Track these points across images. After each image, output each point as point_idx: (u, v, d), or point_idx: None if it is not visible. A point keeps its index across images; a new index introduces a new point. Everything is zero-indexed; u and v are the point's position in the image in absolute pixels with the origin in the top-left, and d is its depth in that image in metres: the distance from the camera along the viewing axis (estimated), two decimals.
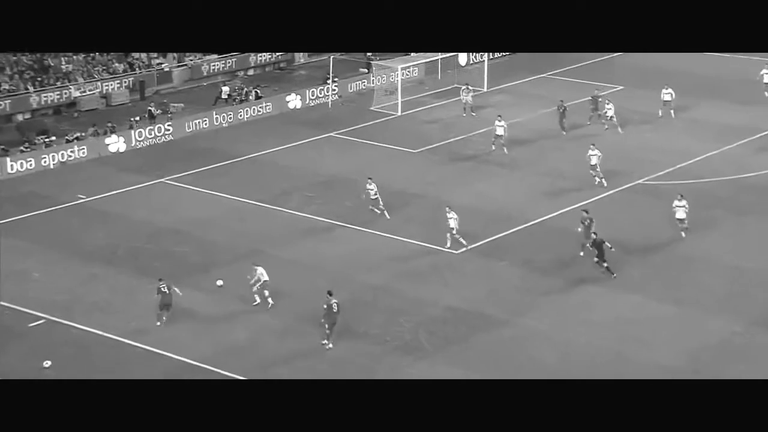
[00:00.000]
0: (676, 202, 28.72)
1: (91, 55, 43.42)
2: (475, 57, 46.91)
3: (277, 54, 47.48)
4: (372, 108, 41.37)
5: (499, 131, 35.73)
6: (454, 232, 28.18)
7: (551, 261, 27.73)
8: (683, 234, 28.51)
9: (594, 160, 32.49)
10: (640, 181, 33.14)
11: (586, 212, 28.04)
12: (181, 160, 35.74)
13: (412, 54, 45.84)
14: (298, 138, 38.21)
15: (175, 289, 24.64)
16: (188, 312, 25.24)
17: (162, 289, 24.46)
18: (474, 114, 39.27)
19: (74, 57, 43.08)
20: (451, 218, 28.16)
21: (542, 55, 47.87)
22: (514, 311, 25.23)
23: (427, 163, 35.48)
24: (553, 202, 31.60)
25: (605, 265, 26.36)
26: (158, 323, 24.34)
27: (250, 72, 47.03)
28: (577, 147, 36.56)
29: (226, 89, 42.85)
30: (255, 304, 25.38)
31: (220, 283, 26.19)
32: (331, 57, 43.90)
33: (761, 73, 41.14)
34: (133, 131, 37.83)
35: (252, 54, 46.89)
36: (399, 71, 41.97)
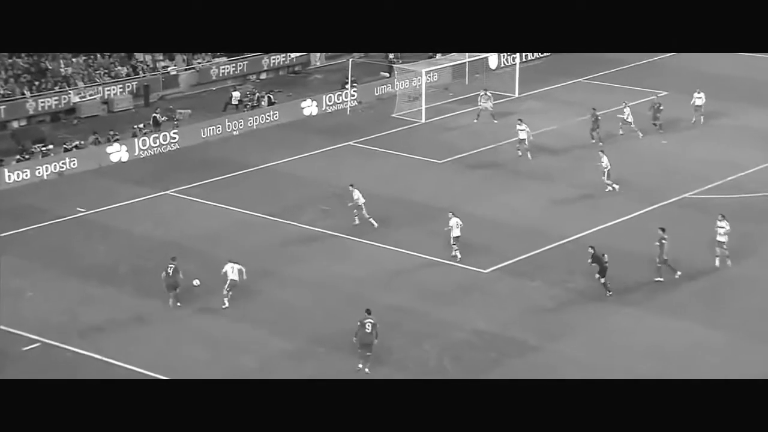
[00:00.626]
0: (718, 223, 28.11)
1: (92, 57, 43.88)
2: (507, 60, 47.04)
3: (292, 56, 47.82)
4: (394, 115, 41.55)
5: (522, 135, 36.09)
6: (451, 242, 28.44)
7: (588, 281, 27.67)
8: (718, 263, 27.76)
9: (605, 167, 32.83)
10: (686, 196, 33.07)
11: (663, 230, 27.45)
12: (187, 171, 35.97)
13: (438, 56, 46.05)
14: (313, 147, 38.43)
15: (194, 282, 26.56)
16: (196, 334, 25.38)
17: (168, 270, 26.36)
18: (496, 121, 39.30)
19: (74, 60, 43.51)
20: (452, 226, 28.43)
21: (577, 59, 47.91)
22: (547, 336, 25.15)
23: (453, 174, 35.58)
24: (590, 218, 31.57)
25: (602, 280, 26.50)
26: (170, 304, 26.30)
27: (263, 76, 47.37)
28: (615, 157, 36.54)
29: (236, 94, 43.17)
30: (224, 307, 26.18)
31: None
32: (350, 60, 44.18)
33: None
34: (136, 139, 38.14)
35: (264, 57, 47.25)
36: (423, 75, 42.13)
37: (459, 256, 28.61)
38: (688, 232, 30.06)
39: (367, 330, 23.41)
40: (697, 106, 39.36)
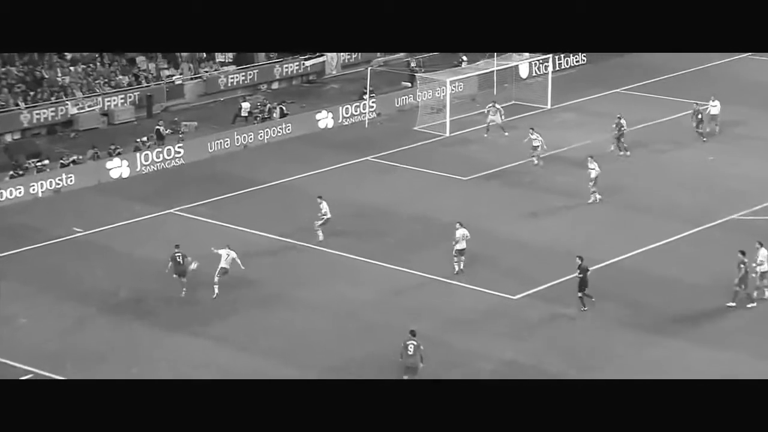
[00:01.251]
0: (760, 253, 27.62)
1: (91, 66, 44.35)
2: (538, 69, 47.30)
3: (306, 65, 48.22)
4: (416, 128, 41.77)
5: (536, 143, 36.78)
6: (453, 254, 28.86)
7: (625, 309, 27.70)
8: (753, 303, 27.43)
9: (593, 174, 33.22)
10: (733, 217, 33.09)
11: (743, 254, 27.44)
12: (193, 188, 36.24)
13: (463, 65, 46.31)
14: (329, 162, 38.69)
15: (192, 266, 28.48)
16: (200, 364, 25.56)
17: (177, 257, 28.30)
18: (506, 134, 39.45)
19: (71, 68, 44.00)
20: (458, 238, 28.91)
21: (614, 68, 48.20)
22: (581, 367, 25.20)
23: (479, 192, 35.73)
24: (627, 240, 31.64)
25: (579, 294, 27.03)
26: (183, 292, 28.37)
27: (275, 86, 47.77)
28: (656, 174, 36.59)
29: (246, 105, 43.51)
30: (214, 297, 28.08)
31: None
32: (369, 68, 44.50)
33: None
34: (138, 154, 38.45)
35: (276, 65, 47.68)
36: (447, 85, 42.40)
37: (459, 269, 29.12)
38: (734, 257, 30.00)
39: (409, 352, 23.82)
40: (713, 115, 39.46)
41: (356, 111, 43.23)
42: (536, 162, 36.85)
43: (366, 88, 43.61)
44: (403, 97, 44.54)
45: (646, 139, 39.99)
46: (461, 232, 29.32)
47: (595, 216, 33.58)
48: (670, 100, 44.32)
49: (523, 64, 46.85)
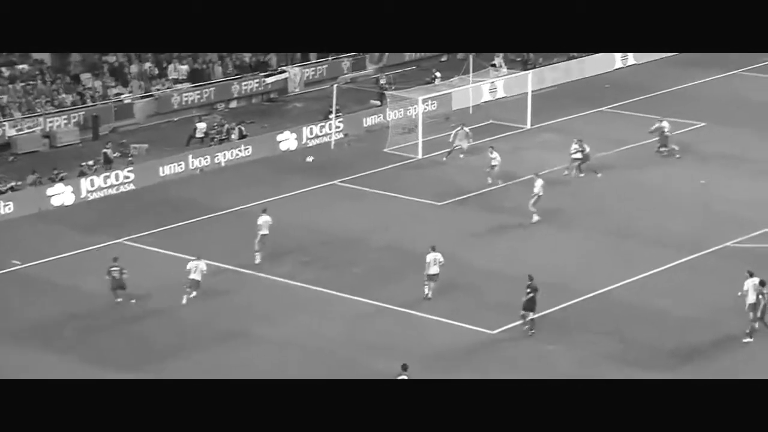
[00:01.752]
0: (746, 283, 27.63)
1: (31, 83, 44.03)
2: (517, 87, 47.57)
3: (267, 82, 48.17)
4: (386, 150, 41.81)
5: (494, 162, 37.42)
6: (425, 280, 29.26)
7: (614, 344, 27.68)
8: (748, 338, 27.43)
9: (537, 189, 34.31)
10: (729, 244, 33.28)
11: (763, 285, 27.35)
12: (145, 216, 36.05)
13: (437, 82, 46.45)
14: (292, 187, 38.56)
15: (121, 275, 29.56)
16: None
17: (113, 273, 29.46)
18: (462, 156, 39.55)
19: (10, 86, 43.66)
20: (429, 262, 29.37)
21: (597, 86, 48.58)
22: None
23: (455, 218, 35.72)
24: (615, 269, 31.68)
25: (529, 317, 27.56)
26: (120, 301, 29.49)
27: (232, 105, 47.67)
28: (645, 198, 36.77)
29: (202, 126, 43.39)
30: (183, 303, 29.36)
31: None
32: (335, 86, 44.52)
33: None
34: (83, 179, 38.16)
35: (235, 82, 47.57)
36: (419, 104, 42.49)
37: (427, 294, 29.52)
38: (731, 286, 30.12)
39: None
40: (665, 135, 40.08)
41: (321, 131, 43.20)
42: (491, 181, 37.28)
43: (332, 107, 43.58)
44: (372, 117, 44.60)
45: (633, 160, 40.21)
46: (432, 256, 29.61)
47: (580, 243, 33.65)
48: (656, 118, 44.65)
49: (500, 80, 47.10)
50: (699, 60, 52.16)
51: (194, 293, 29.58)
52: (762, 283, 27.57)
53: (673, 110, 45.31)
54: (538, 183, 34.75)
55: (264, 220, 32.53)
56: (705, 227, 34.39)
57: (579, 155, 38.15)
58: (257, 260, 32.09)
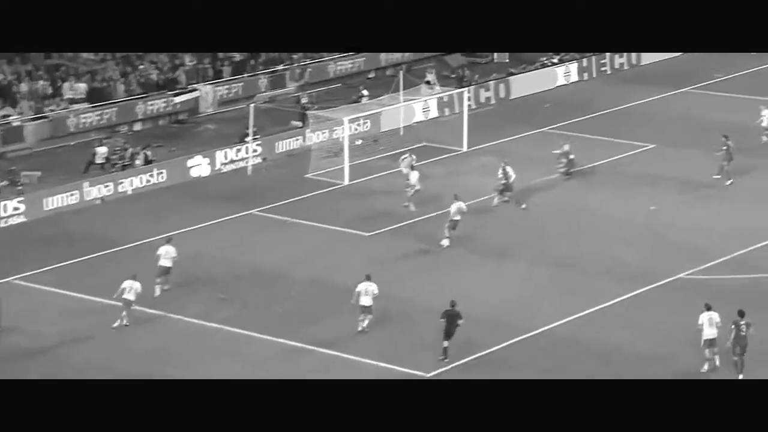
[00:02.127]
0: (702, 317, 28.20)
1: None
2: (452, 106, 48.19)
3: (176, 101, 48.17)
4: (308, 175, 42.05)
5: (412, 180, 38.15)
6: (361, 312, 29.81)
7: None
8: (707, 367, 28.15)
9: (453, 212, 35.49)
10: (682, 276, 34.02)
11: (742, 315, 27.90)
12: (37, 251, 35.82)
13: (364, 101, 46.90)
14: (206, 217, 38.53)
15: None
16: None
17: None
18: (408, 189, 39.45)
19: None
20: (359, 291, 29.93)
21: (537, 105, 49.29)
22: None
23: (385, 250, 36.02)
24: (560, 304, 32.16)
25: (445, 344, 28.56)
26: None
27: (137, 127, 47.53)
28: (590, 227, 37.44)
29: (102, 151, 43.22)
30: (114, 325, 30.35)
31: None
32: (251, 105, 44.71)
33: (761, 115, 43.54)
34: None
35: (140, 102, 47.52)
36: (345, 124, 42.81)
37: (362, 328, 30.07)
38: (683, 321, 30.83)
39: None
40: (570, 159, 40.91)
41: (237, 156, 43.33)
42: (406, 204, 38.04)
43: (248, 129, 43.73)
44: (293, 139, 44.87)
45: (578, 184, 40.93)
46: (364, 285, 30.06)
47: (521, 276, 34.12)
48: (602, 140, 45.59)
49: (432, 99, 47.71)
50: (648, 77, 53.48)
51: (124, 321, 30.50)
52: (741, 314, 28.13)
53: (621, 131, 46.32)
54: (454, 207, 35.51)
55: (166, 250, 32.68)
56: (655, 257, 35.06)
57: (502, 181, 38.87)
58: (156, 293, 32.31)
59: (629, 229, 37.30)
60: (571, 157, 41.18)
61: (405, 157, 40.91)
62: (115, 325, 30.54)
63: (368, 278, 30.38)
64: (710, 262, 34.57)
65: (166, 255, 32.69)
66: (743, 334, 27.92)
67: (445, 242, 35.57)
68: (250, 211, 39.11)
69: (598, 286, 33.20)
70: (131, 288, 30.65)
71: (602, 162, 43.03)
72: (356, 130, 45.09)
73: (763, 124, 44.05)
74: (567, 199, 39.66)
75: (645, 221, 37.89)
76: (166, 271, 32.57)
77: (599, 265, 34.52)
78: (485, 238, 36.65)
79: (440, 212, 37.64)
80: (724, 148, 40.32)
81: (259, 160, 43.50)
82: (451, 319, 28.89)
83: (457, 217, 35.58)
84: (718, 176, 40.52)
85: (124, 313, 30.69)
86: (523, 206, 38.48)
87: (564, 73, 53.25)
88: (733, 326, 28.03)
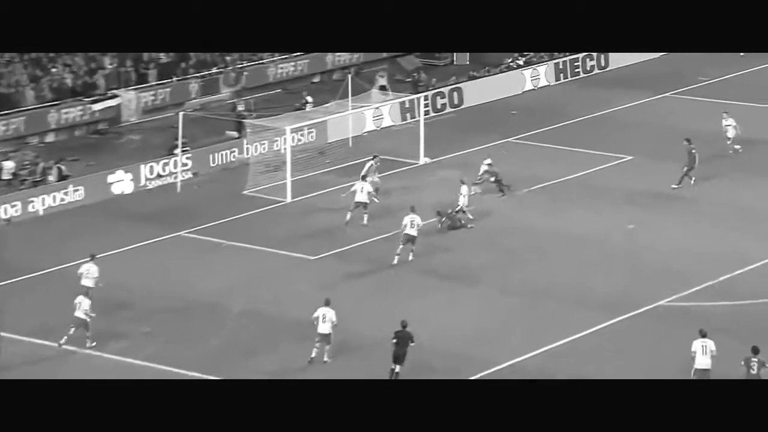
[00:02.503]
0: (695, 344, 28.60)
1: None
2: (408, 111, 48.33)
3: (94, 109, 47.88)
4: (246, 192, 42.04)
5: (360, 197, 38.50)
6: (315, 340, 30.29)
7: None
8: None
9: (406, 224, 36.09)
10: (662, 303, 34.25)
11: (756, 352, 27.93)
12: None
13: (308, 108, 46.90)
14: (128, 240, 38.33)
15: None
16: None
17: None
18: (377, 200, 39.64)
19: None
20: (320, 317, 30.37)
21: (503, 112, 49.59)
22: None
23: (333, 275, 36.04)
24: (530, 335, 32.27)
25: (395, 368, 29.23)
26: None
27: (49, 138, 47.18)
28: (560, 249, 37.65)
29: (9, 165, 42.96)
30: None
31: None
32: (181, 113, 44.53)
33: (724, 125, 44.31)
34: None
35: (52, 110, 47.19)
36: (287, 135, 42.81)
37: (313, 356, 30.49)
38: (665, 350, 31.02)
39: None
40: (496, 176, 41.46)
41: (165, 170, 43.24)
42: (365, 221, 38.64)
43: (178, 140, 43.62)
44: (229, 152, 44.81)
45: (548, 201, 41.20)
46: (322, 311, 30.37)
47: (487, 304, 34.19)
48: (574, 151, 45.92)
49: (385, 105, 47.84)
50: (627, 80, 53.94)
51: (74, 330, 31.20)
52: (755, 350, 28.11)
53: (595, 141, 46.64)
54: (407, 219, 35.91)
55: (86, 268, 32.67)
56: (633, 282, 35.25)
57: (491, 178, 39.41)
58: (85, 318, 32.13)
59: (604, 251, 37.54)
60: (495, 170, 41.32)
61: (371, 164, 40.79)
62: (86, 345, 31.23)
63: (327, 303, 30.54)
64: (693, 288, 34.84)
65: (88, 274, 32.72)
66: (754, 372, 27.90)
67: (395, 260, 36.00)
68: (179, 233, 38.99)
69: (570, 315, 33.34)
70: (79, 304, 31.18)
71: (575, 176, 43.31)
72: (299, 141, 45.14)
73: (728, 134, 44.44)
74: (535, 218, 39.84)
75: (621, 242, 38.14)
76: (86, 292, 32.45)
77: (570, 292, 34.67)
78: (445, 261, 36.71)
79: (393, 233, 37.66)
80: (689, 152, 41.21)
81: (189, 175, 43.41)
82: (402, 341, 29.19)
83: (412, 232, 35.66)
84: (678, 185, 41.28)
85: (87, 333, 31.22)
86: (470, 226, 38.63)
87: (532, 76, 53.59)
88: (743, 363, 28.08)
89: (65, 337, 31.14)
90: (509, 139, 47.22)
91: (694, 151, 41.74)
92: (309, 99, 48.46)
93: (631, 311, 33.61)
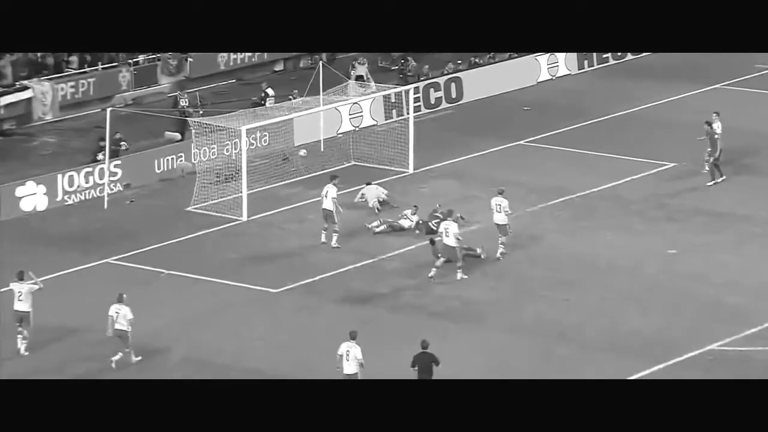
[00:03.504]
0: None
1: None
2: (393, 110, 48.43)
3: (0, 103, 47.76)
4: (191, 208, 42.08)
5: (326, 204, 38.85)
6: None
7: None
8: None
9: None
10: (713, 347, 34.06)
11: None
12: None
13: (269, 103, 46.80)
14: (41, 269, 37.75)
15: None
16: None
17: None
18: (340, 209, 39.69)
19: None
20: (346, 356, 31.16)
21: (512, 108, 49.69)
22: None
23: (301, 312, 35.98)
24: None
25: None
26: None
27: None
28: (587, 282, 37.67)
29: None
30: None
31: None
32: (109, 110, 44.19)
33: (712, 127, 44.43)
34: None
35: None
36: (243, 136, 42.57)
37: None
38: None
39: None
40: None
41: (88, 182, 43.19)
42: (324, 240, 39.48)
43: (104, 142, 43.52)
44: (170, 158, 44.82)
45: (568, 220, 41.29)
46: (347, 347, 30.82)
47: (497, 347, 33.92)
48: (602, 157, 46.05)
49: (365, 100, 47.80)
50: (664, 69, 53.94)
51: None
52: None
53: (628, 144, 46.70)
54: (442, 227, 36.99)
55: (19, 290, 33.11)
56: (677, 322, 35.24)
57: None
58: (20, 348, 32.97)
59: (639, 282, 37.57)
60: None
61: (332, 184, 40.83)
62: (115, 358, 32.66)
63: (353, 337, 31.16)
64: (753, 328, 34.88)
65: (20, 296, 33.14)
66: None
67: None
68: (105, 260, 38.95)
69: (599, 362, 33.33)
70: (117, 314, 32.69)
71: (602, 187, 43.46)
72: (258, 144, 45.23)
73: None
74: (553, 240, 39.91)
75: (661, 270, 38.18)
76: (21, 318, 32.95)
77: (597, 333, 34.63)
78: (446, 295, 36.71)
79: (372, 260, 37.64)
80: (705, 137, 42.01)
81: (119, 187, 43.43)
82: (424, 365, 30.20)
83: (450, 242, 36.79)
84: (713, 181, 42.39)
85: (126, 349, 32.76)
86: (483, 254, 38.91)
87: (549, 63, 53.61)
88: None
89: (119, 354, 32.64)
90: (520, 142, 47.27)
91: (717, 136, 42.28)
92: (270, 92, 48.48)
93: (674, 357, 33.63)
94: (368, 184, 41.89)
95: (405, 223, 40.12)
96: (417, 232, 39.78)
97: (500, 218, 37.91)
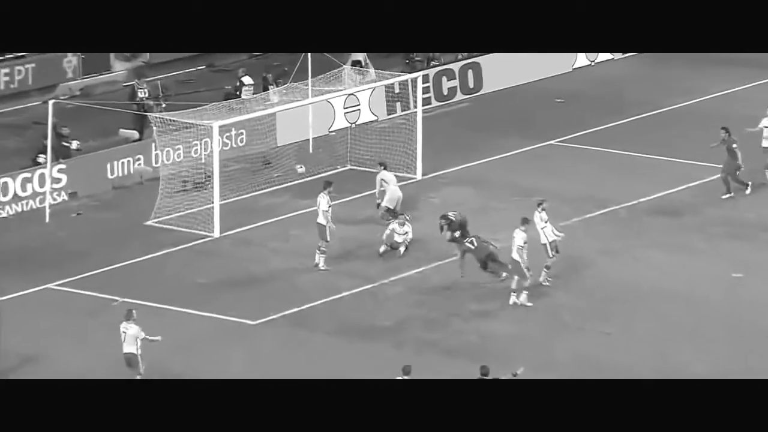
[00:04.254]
0: None
1: None
2: (396, 104, 48.68)
3: None
4: (152, 222, 42.33)
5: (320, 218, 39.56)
6: None
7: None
8: None
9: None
10: None
11: None
12: None
13: (245, 94, 46.87)
14: None
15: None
16: None
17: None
18: (332, 225, 39.66)
19: None
20: None
21: (543, 100, 50.09)
22: None
23: (284, 348, 36.20)
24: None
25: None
26: None
27: None
28: (640, 313, 37.68)
29: None
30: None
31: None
32: (51, 102, 44.19)
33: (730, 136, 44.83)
34: None
35: None
36: (215, 134, 42.73)
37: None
38: None
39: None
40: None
41: (25, 191, 43.35)
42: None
43: (46, 142, 43.63)
44: (125, 160, 44.99)
45: (612, 238, 41.53)
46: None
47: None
48: (651, 160, 46.29)
49: (364, 91, 47.84)
50: (724, 55, 53.99)
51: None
52: None
53: (681, 144, 47.01)
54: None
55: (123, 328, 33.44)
56: (741, 358, 35.34)
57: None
58: None
59: (698, 311, 37.73)
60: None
61: (323, 194, 40.66)
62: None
63: (406, 373, 31.51)
64: None
65: (124, 338, 33.66)
66: None
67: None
68: (47, 285, 39.09)
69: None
70: (125, 333, 33.66)
71: (651, 197, 43.75)
72: (233, 144, 45.43)
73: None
74: (593, 260, 40.14)
75: (726, 298, 38.35)
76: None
77: (648, 370, 34.52)
78: (462, 329, 36.83)
79: (371, 285, 38.11)
80: (728, 148, 42.73)
81: (64, 197, 43.53)
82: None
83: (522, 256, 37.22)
84: (728, 194, 43.08)
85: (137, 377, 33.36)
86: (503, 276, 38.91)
87: None
88: None
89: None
90: (551, 142, 47.48)
91: (735, 146, 42.66)
92: (247, 81, 48.46)
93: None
94: (384, 168, 41.72)
95: (399, 238, 39.97)
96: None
97: (547, 233, 38.02)
